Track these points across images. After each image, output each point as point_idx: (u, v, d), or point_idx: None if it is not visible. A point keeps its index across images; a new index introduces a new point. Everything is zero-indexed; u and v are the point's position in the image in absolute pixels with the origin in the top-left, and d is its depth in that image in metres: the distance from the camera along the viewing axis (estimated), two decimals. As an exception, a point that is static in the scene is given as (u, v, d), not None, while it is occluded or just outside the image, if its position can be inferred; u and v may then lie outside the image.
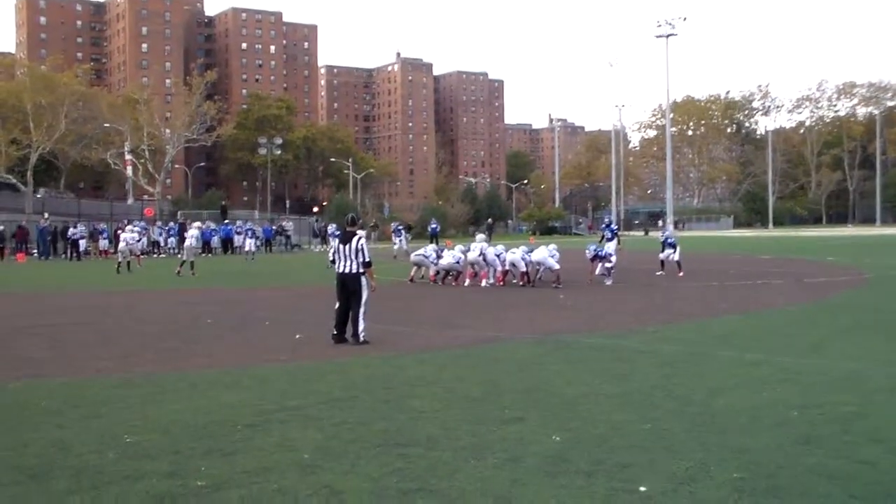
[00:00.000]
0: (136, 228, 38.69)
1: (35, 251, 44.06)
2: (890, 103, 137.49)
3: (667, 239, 25.85)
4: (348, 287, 11.79)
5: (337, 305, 11.89)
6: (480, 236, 24.78)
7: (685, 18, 78.99)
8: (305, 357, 10.86)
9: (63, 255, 42.76)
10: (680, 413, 7.28)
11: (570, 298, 18.48)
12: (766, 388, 8.30)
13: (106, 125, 79.24)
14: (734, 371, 9.30)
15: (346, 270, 11.81)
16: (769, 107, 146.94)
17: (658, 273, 24.82)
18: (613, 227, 29.01)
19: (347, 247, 11.82)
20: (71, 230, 42.85)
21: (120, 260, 30.15)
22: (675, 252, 24.85)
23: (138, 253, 33.83)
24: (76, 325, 14.94)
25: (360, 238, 11.98)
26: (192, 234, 30.17)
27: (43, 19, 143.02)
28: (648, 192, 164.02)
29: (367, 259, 11.93)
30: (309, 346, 11.79)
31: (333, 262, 12.84)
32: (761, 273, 25.59)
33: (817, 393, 8.06)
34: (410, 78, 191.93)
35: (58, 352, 11.65)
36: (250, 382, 9.04)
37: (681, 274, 24.00)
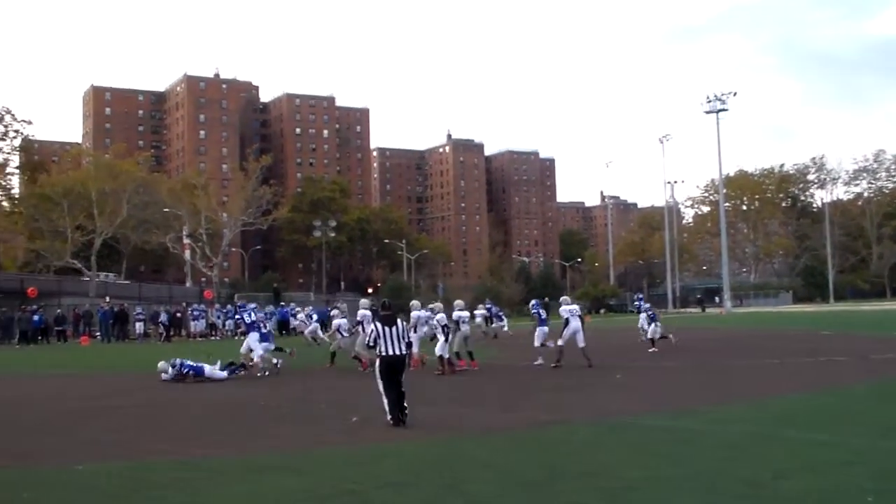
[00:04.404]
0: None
1: (98, 334, 45.02)
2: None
3: None
4: (398, 369, 11.74)
5: (382, 387, 11.70)
6: (364, 301, 21.18)
7: (735, 94, 78.93)
8: (362, 440, 10.82)
9: (122, 338, 43.36)
10: (745, 497, 7.08)
11: (626, 377, 18.22)
12: (836, 471, 8.03)
13: (165, 210, 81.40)
14: (800, 453, 9.01)
15: (395, 352, 11.78)
16: (825, 179, 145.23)
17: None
18: (638, 303, 30.32)
19: (393, 329, 11.83)
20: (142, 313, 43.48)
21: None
22: None
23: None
24: (137, 407, 15.11)
25: (402, 320, 12.12)
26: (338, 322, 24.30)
27: (108, 110, 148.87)
28: (704, 268, 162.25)
29: (409, 340, 12.14)
30: (365, 428, 11.74)
31: (374, 345, 12.17)
32: (824, 349, 24.92)
33: (893, 477, 7.75)
34: (462, 158, 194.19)
35: (119, 434, 11.78)
36: (306, 466, 9.03)
37: None
